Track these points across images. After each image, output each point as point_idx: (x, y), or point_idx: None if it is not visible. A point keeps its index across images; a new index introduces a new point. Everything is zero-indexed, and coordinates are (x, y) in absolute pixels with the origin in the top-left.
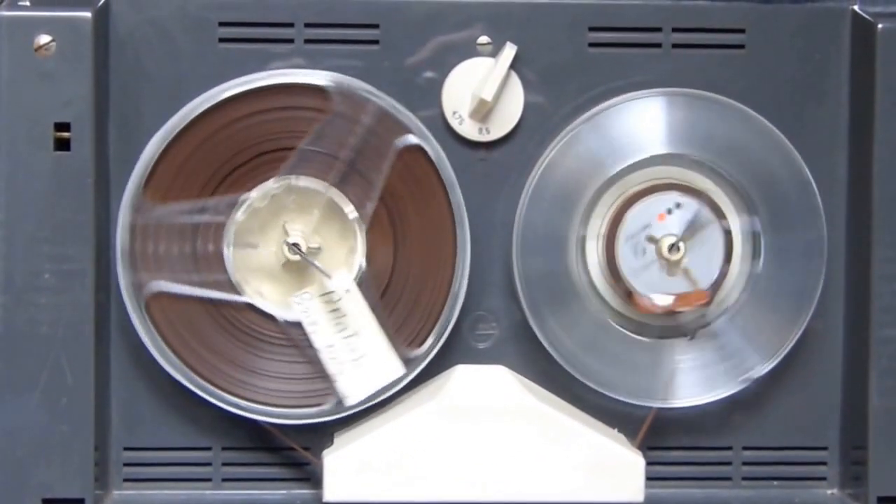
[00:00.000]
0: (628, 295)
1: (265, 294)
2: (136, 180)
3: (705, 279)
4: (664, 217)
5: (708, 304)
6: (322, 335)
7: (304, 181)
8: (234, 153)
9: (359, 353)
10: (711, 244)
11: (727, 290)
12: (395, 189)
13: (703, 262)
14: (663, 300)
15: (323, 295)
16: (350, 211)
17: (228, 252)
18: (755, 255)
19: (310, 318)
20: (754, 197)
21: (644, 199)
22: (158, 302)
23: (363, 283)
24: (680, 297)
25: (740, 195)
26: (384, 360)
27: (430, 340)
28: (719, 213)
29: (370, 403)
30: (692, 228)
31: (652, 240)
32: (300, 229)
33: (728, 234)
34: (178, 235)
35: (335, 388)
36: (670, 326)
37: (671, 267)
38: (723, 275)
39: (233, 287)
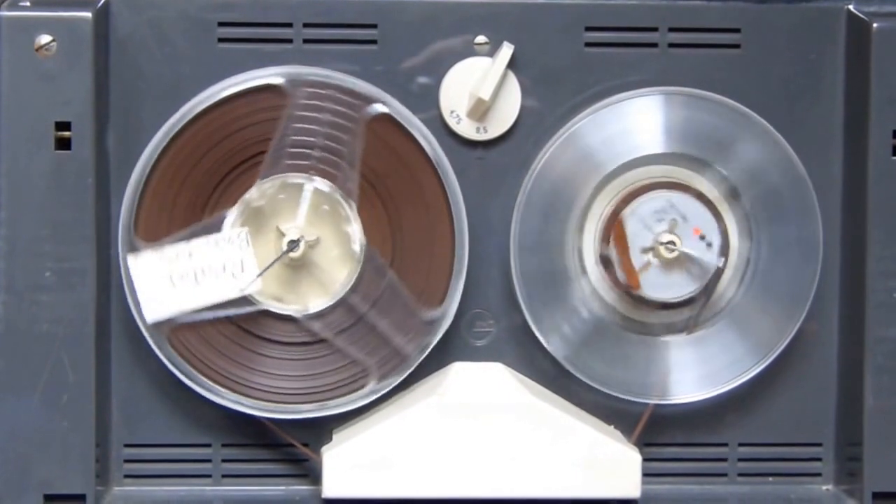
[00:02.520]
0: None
1: (279, 297)
2: (137, 179)
3: (648, 287)
4: (697, 233)
5: (625, 288)
6: (204, 252)
7: (286, 178)
8: (235, 151)
9: (180, 282)
10: (683, 284)
11: (723, 288)
12: (394, 188)
13: (663, 282)
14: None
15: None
16: (336, 194)
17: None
18: (751, 252)
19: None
20: (750, 195)
21: (641, 198)
22: None
23: (369, 257)
24: (626, 261)
25: (736, 194)
26: (166, 302)
27: (446, 301)
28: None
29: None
30: (692, 263)
31: (672, 225)
32: (294, 226)
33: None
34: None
35: (141, 256)
36: (667, 323)
37: (653, 252)
38: (645, 301)
39: (246, 300)
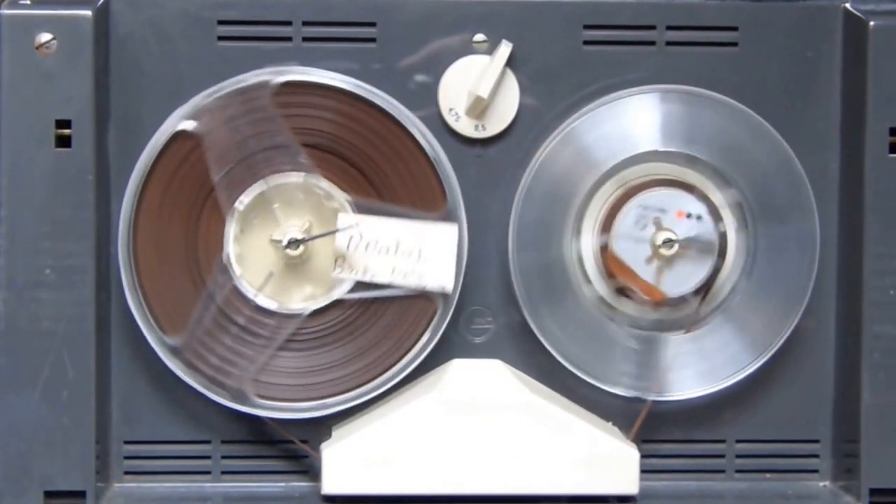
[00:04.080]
0: (623, 289)
1: (265, 289)
2: (137, 177)
3: (671, 289)
4: (682, 216)
5: (655, 304)
6: (380, 271)
7: (245, 197)
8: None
9: (414, 252)
10: (699, 265)
11: (721, 284)
12: (393, 186)
13: (681, 276)
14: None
15: (348, 248)
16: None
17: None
18: (748, 249)
19: (361, 274)
20: (747, 193)
21: (638, 195)
22: (158, 294)
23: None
24: (639, 282)
25: (733, 191)
26: (434, 237)
27: (426, 335)
28: (717, 218)
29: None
30: (694, 242)
31: (657, 223)
32: (290, 226)
33: (723, 235)
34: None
35: (430, 294)
36: (665, 320)
37: (656, 258)
38: (683, 299)
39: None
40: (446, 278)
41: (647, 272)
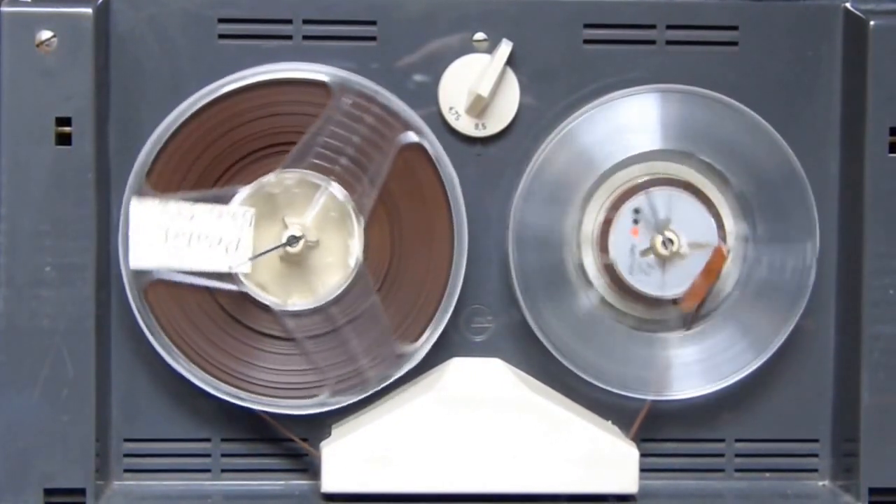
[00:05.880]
0: (624, 289)
1: (264, 286)
2: (137, 175)
3: (671, 289)
4: (637, 231)
5: (725, 255)
6: (206, 219)
7: (306, 175)
8: (234, 147)
9: (173, 240)
10: (699, 265)
11: (721, 284)
12: (393, 184)
13: (681, 276)
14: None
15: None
16: (349, 206)
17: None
18: (748, 249)
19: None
20: (747, 192)
21: (638, 195)
22: (157, 292)
23: (360, 275)
24: (703, 275)
25: (733, 191)
26: (153, 254)
27: (426, 333)
28: (716, 217)
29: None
30: (693, 242)
31: (657, 223)
32: (299, 222)
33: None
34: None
35: (144, 203)
36: (665, 320)
37: (655, 257)
38: (720, 226)
39: (231, 277)
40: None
41: (679, 273)
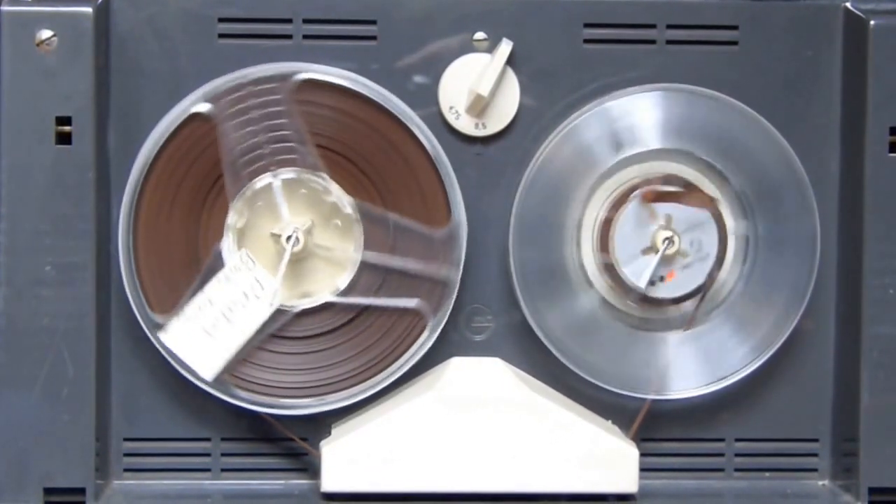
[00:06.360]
0: (624, 289)
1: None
2: (137, 174)
3: (671, 288)
4: (682, 215)
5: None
6: (220, 291)
7: (253, 185)
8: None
9: (215, 331)
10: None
11: (721, 283)
12: (393, 183)
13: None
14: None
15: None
16: (303, 177)
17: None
18: (748, 248)
19: (232, 274)
20: (747, 192)
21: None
22: (158, 292)
23: (364, 212)
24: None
25: (734, 190)
26: (213, 354)
27: (426, 333)
28: (717, 216)
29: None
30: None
31: (657, 222)
32: (283, 224)
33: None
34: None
35: (170, 328)
36: (665, 319)
37: (677, 258)
38: (683, 299)
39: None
40: (179, 344)
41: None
